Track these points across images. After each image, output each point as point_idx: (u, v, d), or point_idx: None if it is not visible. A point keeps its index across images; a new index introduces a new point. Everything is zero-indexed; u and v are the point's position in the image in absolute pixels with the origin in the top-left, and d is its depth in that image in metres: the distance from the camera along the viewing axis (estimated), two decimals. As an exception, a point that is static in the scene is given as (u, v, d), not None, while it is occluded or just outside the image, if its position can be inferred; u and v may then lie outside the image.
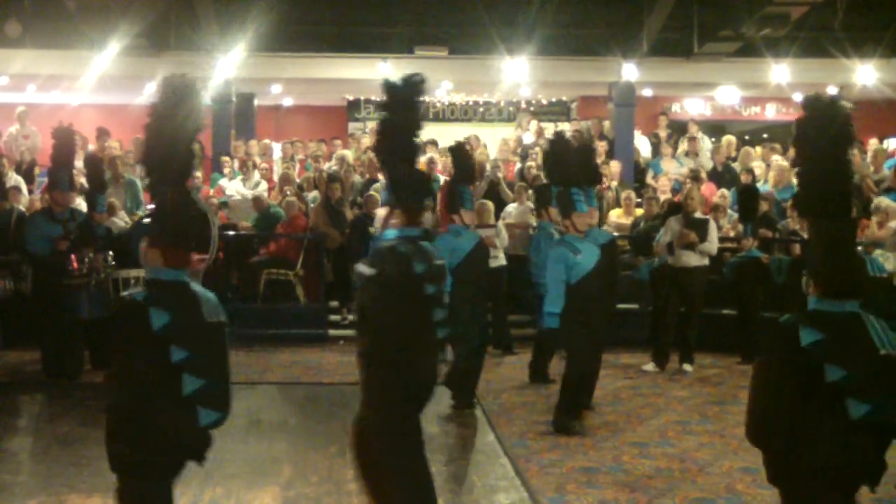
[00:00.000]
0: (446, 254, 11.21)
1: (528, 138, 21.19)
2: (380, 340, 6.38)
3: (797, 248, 15.36)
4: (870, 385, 4.83)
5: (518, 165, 19.61)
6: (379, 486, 6.42)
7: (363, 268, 6.40)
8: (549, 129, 23.00)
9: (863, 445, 4.88)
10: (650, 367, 13.89)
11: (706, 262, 14.09)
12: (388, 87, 6.82)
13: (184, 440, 5.36)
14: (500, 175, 18.10)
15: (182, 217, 5.53)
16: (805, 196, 5.42)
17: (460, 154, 12.38)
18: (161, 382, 5.22)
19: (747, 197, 14.77)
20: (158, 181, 5.65)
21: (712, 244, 14.03)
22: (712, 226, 14.24)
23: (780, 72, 20.07)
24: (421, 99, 6.85)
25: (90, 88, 20.55)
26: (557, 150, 12.69)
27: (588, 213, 10.89)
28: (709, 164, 19.45)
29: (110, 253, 12.99)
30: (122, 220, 15.76)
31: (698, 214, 14.32)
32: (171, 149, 5.62)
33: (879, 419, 4.84)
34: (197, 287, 5.46)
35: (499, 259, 15.09)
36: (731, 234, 16.00)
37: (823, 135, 5.30)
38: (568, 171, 11.67)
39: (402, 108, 6.82)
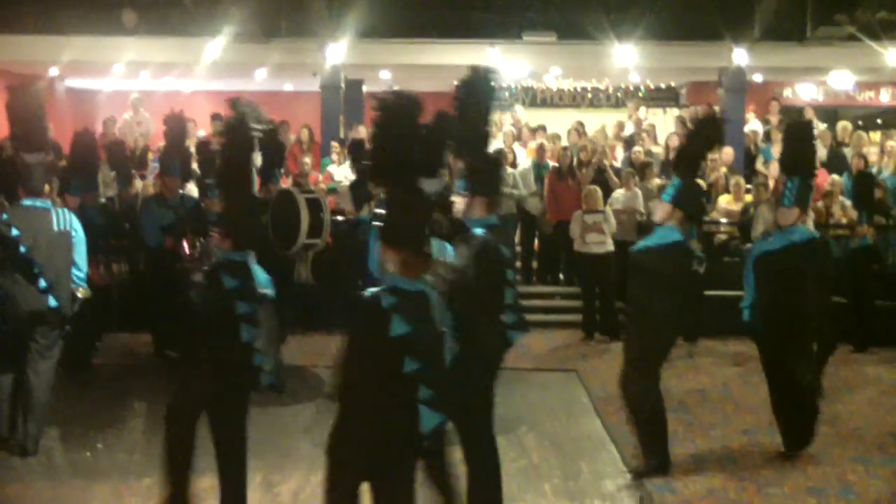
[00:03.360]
0: None
1: (630, 126, 20.93)
2: None
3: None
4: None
5: (624, 151, 19.45)
6: None
7: None
8: (658, 115, 22.84)
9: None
10: None
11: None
12: None
13: (411, 442, 5.38)
14: (606, 162, 17.92)
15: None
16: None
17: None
18: (393, 388, 5.31)
19: (863, 184, 14.47)
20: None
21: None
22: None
23: (897, 56, 19.60)
24: None
25: (203, 75, 20.82)
26: (797, 137, 10.12)
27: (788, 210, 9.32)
28: (821, 151, 19.06)
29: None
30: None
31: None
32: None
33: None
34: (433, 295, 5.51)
35: (606, 245, 15.05)
36: (843, 220, 15.70)
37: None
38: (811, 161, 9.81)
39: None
